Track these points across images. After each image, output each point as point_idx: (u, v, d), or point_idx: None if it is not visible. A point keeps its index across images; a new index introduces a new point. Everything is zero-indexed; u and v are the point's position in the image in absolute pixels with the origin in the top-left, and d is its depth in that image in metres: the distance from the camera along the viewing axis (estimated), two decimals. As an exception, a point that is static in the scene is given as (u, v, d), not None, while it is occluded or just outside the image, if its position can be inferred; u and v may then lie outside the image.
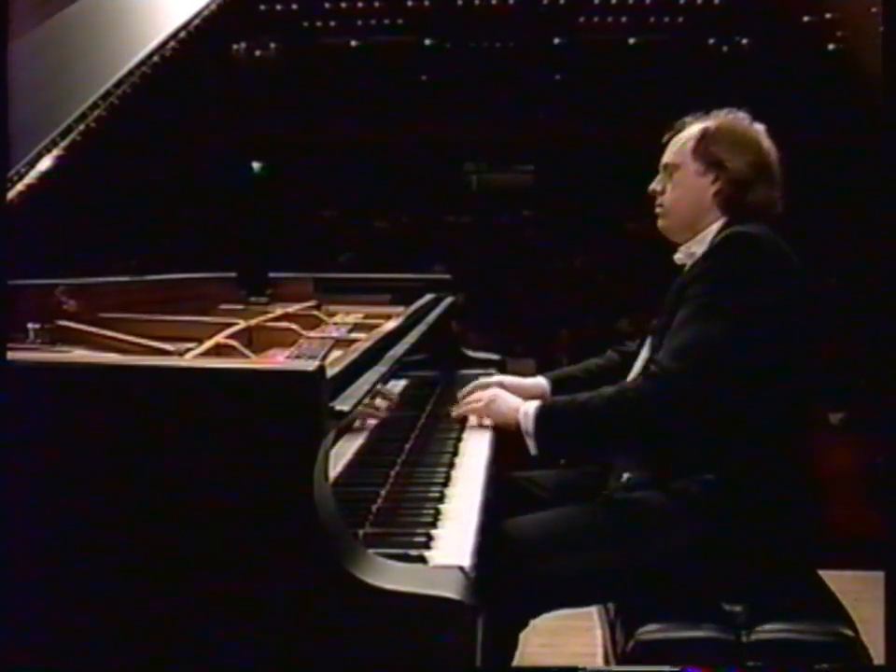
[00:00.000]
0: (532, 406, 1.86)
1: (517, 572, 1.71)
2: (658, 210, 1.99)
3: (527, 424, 1.83)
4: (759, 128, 1.95)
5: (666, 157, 1.98)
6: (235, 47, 11.42)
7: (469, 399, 2.05)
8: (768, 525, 1.75)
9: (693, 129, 1.96)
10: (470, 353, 2.79)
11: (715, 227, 1.90)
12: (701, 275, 1.79)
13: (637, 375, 1.89)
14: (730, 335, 1.71)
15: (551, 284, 9.28)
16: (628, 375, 1.99)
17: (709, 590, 1.73)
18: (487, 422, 2.00)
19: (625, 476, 1.86)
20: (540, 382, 2.18)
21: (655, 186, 2.00)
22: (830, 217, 9.41)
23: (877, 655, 1.65)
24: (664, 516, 1.75)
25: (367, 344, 1.64)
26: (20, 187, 1.44)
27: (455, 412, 2.06)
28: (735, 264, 1.77)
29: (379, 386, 1.71)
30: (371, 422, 1.93)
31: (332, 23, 11.45)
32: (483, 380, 2.16)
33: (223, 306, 2.48)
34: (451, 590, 1.12)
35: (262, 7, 10.69)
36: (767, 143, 1.93)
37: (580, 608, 1.97)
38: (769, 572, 1.75)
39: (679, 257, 1.98)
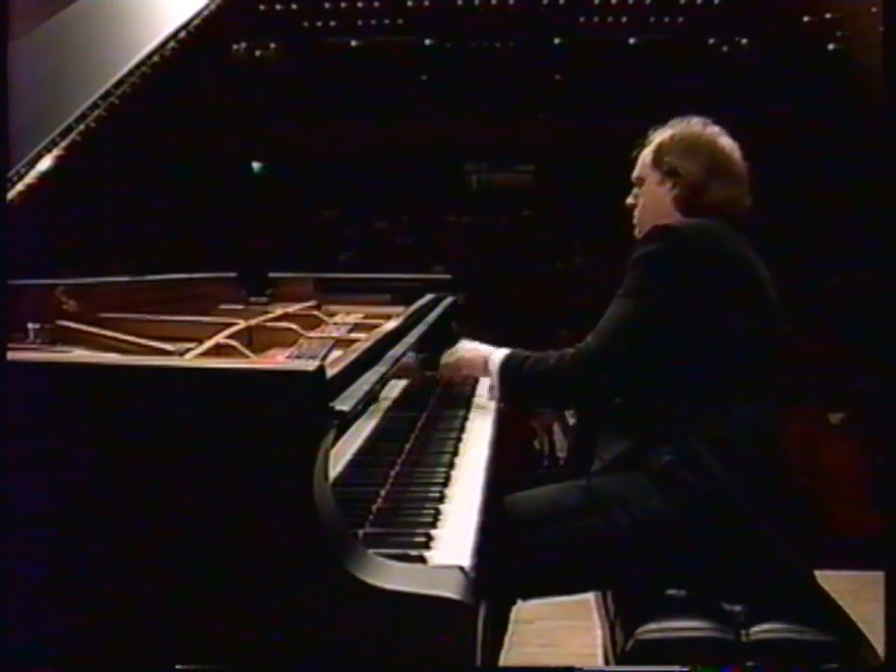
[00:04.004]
0: (497, 359, 2.07)
1: (507, 545, 1.77)
2: (634, 221, 2.12)
3: (492, 376, 2.08)
4: (713, 130, 2.05)
5: (635, 171, 2.12)
6: (235, 47, 11.42)
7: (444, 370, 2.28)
8: (730, 498, 1.79)
9: (653, 141, 2.09)
10: (470, 353, 2.78)
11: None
12: (628, 267, 1.95)
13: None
14: (640, 314, 1.88)
15: (551, 284, 9.28)
16: None
17: (686, 558, 1.78)
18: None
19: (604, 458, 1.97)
20: None
21: (630, 200, 2.13)
22: (830, 217, 9.41)
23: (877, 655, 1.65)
24: (638, 488, 1.83)
25: (367, 344, 1.64)
26: (20, 187, 1.44)
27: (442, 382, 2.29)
28: (648, 253, 1.91)
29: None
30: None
31: (332, 23, 11.45)
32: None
33: (223, 306, 2.48)
34: (451, 590, 1.12)
35: (262, 7, 10.69)
36: (723, 143, 2.03)
37: (570, 589, 1.99)
38: (766, 584, 1.76)
39: None
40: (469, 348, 2.23)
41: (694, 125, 2.06)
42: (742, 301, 1.89)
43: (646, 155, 2.08)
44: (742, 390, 1.87)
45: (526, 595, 1.98)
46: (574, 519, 1.84)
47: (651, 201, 2.06)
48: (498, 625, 2.01)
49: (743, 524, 1.79)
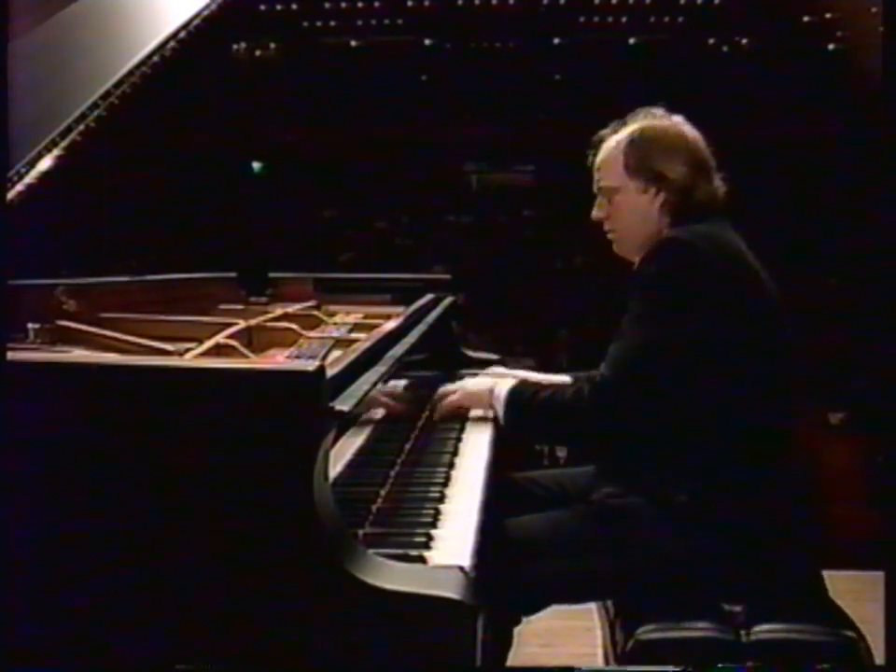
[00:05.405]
0: (504, 390, 1.92)
1: (511, 571, 1.72)
2: (611, 236, 1.94)
3: (498, 407, 1.94)
4: (678, 120, 1.89)
5: (601, 181, 1.91)
6: (235, 47, 11.42)
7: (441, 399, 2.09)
8: (759, 531, 1.73)
9: (618, 143, 1.88)
10: (470, 353, 2.79)
11: (664, 233, 1.85)
12: (635, 285, 1.78)
13: (584, 380, 1.85)
14: (661, 340, 1.71)
15: (551, 284, 9.28)
16: None
17: (701, 594, 1.72)
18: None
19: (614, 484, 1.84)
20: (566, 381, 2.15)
21: (599, 214, 1.93)
22: (830, 217, 9.41)
23: (877, 655, 1.65)
24: (654, 524, 1.73)
25: (367, 344, 1.64)
26: (20, 187, 1.44)
27: (436, 416, 2.07)
28: (662, 271, 1.75)
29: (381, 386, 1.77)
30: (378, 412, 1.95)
31: (332, 23, 11.45)
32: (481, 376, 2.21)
33: (223, 306, 2.48)
34: (451, 590, 1.12)
35: (262, 7, 10.69)
36: (692, 133, 1.87)
37: (574, 605, 1.99)
38: (763, 577, 1.74)
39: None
40: (473, 382, 2.09)
41: (660, 119, 1.88)
42: (755, 315, 1.76)
43: (612, 161, 1.88)
44: (764, 413, 1.76)
45: (529, 614, 1.93)
46: (581, 553, 1.75)
47: (634, 212, 1.86)
48: (502, 643, 1.98)
49: (753, 538, 1.74)
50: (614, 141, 1.90)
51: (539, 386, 1.92)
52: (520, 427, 1.94)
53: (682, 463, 1.74)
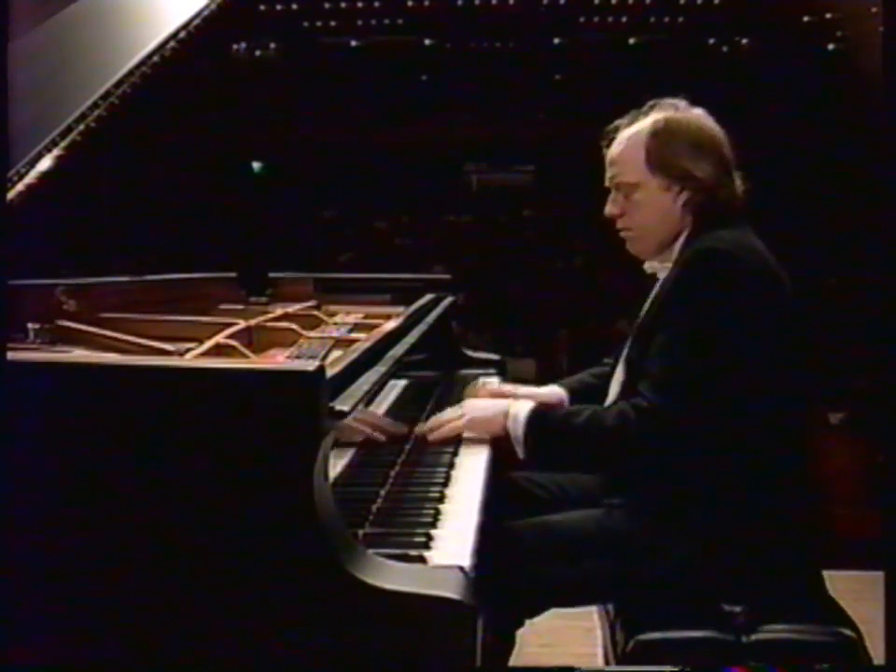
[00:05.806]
0: (523, 412, 1.78)
1: (515, 574, 1.71)
2: (625, 234, 1.84)
3: (517, 430, 1.78)
4: (700, 113, 1.80)
5: (618, 175, 1.80)
6: (235, 47, 11.41)
7: (441, 421, 1.88)
8: (767, 541, 1.72)
9: (638, 135, 1.78)
10: (470, 353, 2.79)
11: (685, 234, 1.78)
12: (676, 297, 1.69)
13: (623, 402, 1.72)
14: (716, 359, 1.62)
15: (551, 284, 9.27)
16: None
17: (702, 595, 1.71)
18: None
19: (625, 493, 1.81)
20: (557, 391, 2.11)
21: (613, 210, 1.82)
22: (830, 217, 9.41)
23: (877, 655, 1.65)
24: (661, 530, 1.72)
25: (367, 344, 1.64)
26: (20, 187, 1.44)
27: (433, 437, 1.85)
28: (706, 284, 1.65)
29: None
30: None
31: (332, 23, 11.44)
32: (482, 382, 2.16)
33: (223, 306, 2.48)
34: (451, 590, 1.12)
35: (262, 7, 10.69)
36: (716, 128, 1.78)
37: (577, 608, 1.99)
38: (763, 578, 1.73)
39: (650, 266, 1.87)
40: (478, 407, 1.90)
41: (684, 110, 1.78)
42: (785, 326, 1.70)
43: (632, 155, 1.77)
44: (781, 422, 1.71)
45: (533, 616, 1.91)
46: (587, 557, 1.73)
47: (655, 211, 1.77)
48: (504, 646, 1.97)
49: (753, 538, 1.72)
50: (633, 132, 1.79)
51: (566, 410, 1.82)
52: (544, 452, 1.79)
53: (697, 477, 1.69)
